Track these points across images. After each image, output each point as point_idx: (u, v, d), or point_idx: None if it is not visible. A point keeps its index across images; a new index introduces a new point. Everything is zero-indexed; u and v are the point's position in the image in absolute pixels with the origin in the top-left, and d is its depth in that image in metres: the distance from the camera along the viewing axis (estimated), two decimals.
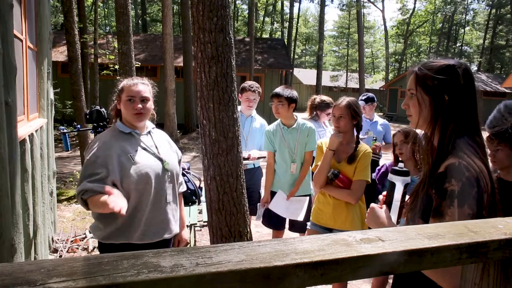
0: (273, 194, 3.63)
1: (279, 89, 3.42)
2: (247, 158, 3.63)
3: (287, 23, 29.24)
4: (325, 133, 4.00)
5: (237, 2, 32.76)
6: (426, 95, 1.28)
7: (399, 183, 1.46)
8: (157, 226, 2.12)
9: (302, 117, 3.69)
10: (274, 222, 3.58)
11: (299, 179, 3.42)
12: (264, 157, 3.84)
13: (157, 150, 2.17)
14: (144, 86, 2.12)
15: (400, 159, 2.97)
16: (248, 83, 3.83)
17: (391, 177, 1.49)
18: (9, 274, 0.51)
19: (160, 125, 3.03)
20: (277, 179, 3.53)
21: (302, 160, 3.42)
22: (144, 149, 2.12)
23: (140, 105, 2.07)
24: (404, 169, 1.48)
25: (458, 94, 1.25)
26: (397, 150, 3.02)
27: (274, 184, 3.56)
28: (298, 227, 3.47)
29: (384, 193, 1.54)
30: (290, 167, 3.41)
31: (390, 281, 3.00)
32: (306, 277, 0.61)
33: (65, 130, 3.97)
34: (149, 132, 2.22)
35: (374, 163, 4.01)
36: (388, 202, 1.48)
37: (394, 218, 1.44)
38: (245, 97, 3.80)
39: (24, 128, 3.10)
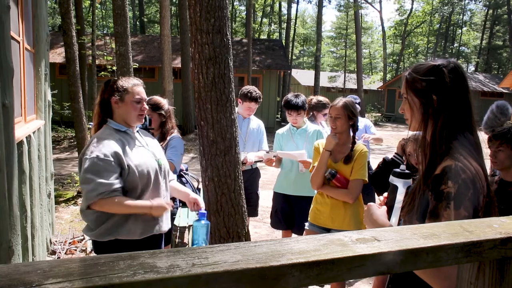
0: (275, 195, 3.66)
1: (296, 101, 3.46)
2: (244, 163, 3.63)
3: (285, 24, 29.23)
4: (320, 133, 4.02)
5: (235, 3, 32.74)
6: (416, 98, 1.30)
7: (401, 186, 1.46)
8: (154, 221, 2.16)
9: None
10: (282, 222, 3.61)
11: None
12: (261, 160, 3.85)
13: (149, 148, 2.22)
14: (143, 87, 2.21)
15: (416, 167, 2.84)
16: (252, 93, 3.72)
17: (392, 179, 1.48)
18: (5, 275, 0.51)
19: None
20: (280, 179, 3.60)
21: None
22: (140, 147, 2.16)
23: (146, 107, 2.17)
24: (406, 171, 1.47)
25: (446, 93, 1.25)
26: (412, 161, 2.87)
27: (277, 184, 3.65)
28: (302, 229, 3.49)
29: (385, 194, 1.54)
30: (299, 166, 3.45)
31: None
32: (302, 277, 0.62)
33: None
34: (137, 131, 2.25)
35: None
36: (389, 205, 1.47)
37: (395, 220, 1.43)
38: (248, 106, 3.76)
39: (22, 129, 3.10)
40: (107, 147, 1.98)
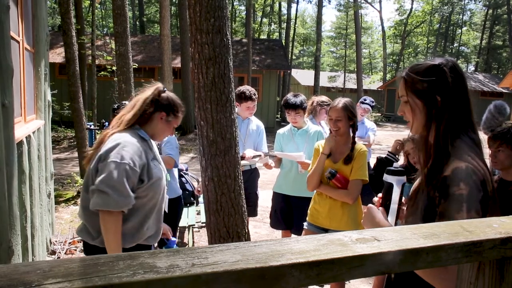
0: (275, 195, 3.66)
1: (295, 100, 3.48)
2: (243, 158, 3.64)
3: (285, 24, 29.22)
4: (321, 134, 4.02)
5: (234, 3, 32.72)
6: (418, 100, 1.27)
7: (395, 183, 1.44)
8: (157, 231, 2.16)
9: None
10: (282, 222, 3.61)
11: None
12: (260, 155, 3.85)
13: (160, 161, 2.21)
14: None
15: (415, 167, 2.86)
16: (245, 92, 3.73)
17: (386, 177, 1.47)
18: (5, 275, 0.51)
19: None
20: (280, 179, 3.61)
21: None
22: (155, 159, 2.13)
23: None
24: (400, 168, 1.46)
25: (449, 92, 1.23)
26: (410, 159, 2.90)
27: (276, 184, 3.67)
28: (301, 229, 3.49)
29: (380, 194, 1.53)
30: (299, 167, 3.45)
31: None
32: (302, 277, 0.62)
33: (92, 127, 3.95)
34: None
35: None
36: (385, 204, 1.46)
37: (392, 219, 1.42)
38: (246, 106, 3.77)
39: (21, 129, 3.10)
40: (136, 157, 1.91)
